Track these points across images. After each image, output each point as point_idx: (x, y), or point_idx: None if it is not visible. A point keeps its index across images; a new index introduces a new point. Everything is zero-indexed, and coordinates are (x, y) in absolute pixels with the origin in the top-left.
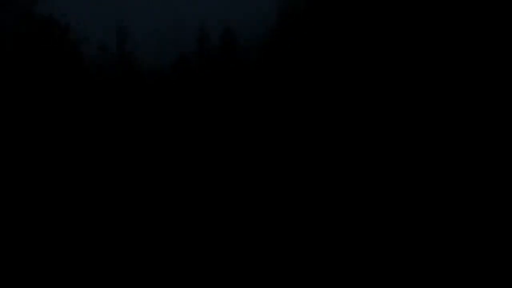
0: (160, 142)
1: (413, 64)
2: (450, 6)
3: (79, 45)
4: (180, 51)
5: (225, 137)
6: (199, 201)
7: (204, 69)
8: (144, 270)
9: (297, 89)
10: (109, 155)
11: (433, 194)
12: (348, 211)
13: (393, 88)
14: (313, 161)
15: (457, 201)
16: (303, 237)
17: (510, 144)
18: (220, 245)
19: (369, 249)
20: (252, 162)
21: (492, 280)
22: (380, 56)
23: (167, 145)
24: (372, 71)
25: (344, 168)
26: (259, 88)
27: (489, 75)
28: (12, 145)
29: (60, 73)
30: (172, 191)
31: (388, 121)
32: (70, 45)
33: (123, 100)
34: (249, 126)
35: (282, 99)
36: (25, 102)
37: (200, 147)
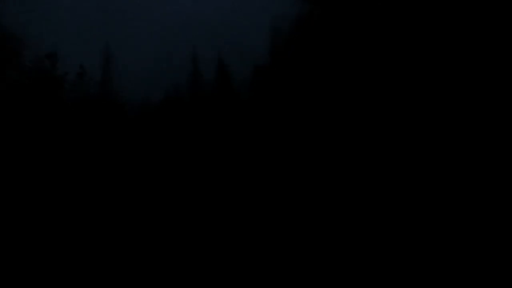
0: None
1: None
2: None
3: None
4: (171, 83)
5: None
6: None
7: (197, 107)
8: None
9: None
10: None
11: (433, 195)
12: (347, 212)
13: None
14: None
15: (457, 202)
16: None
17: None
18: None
19: (368, 250)
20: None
21: (492, 280)
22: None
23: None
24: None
25: (343, 169)
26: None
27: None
28: None
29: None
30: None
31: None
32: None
33: (100, 136)
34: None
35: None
36: None
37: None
